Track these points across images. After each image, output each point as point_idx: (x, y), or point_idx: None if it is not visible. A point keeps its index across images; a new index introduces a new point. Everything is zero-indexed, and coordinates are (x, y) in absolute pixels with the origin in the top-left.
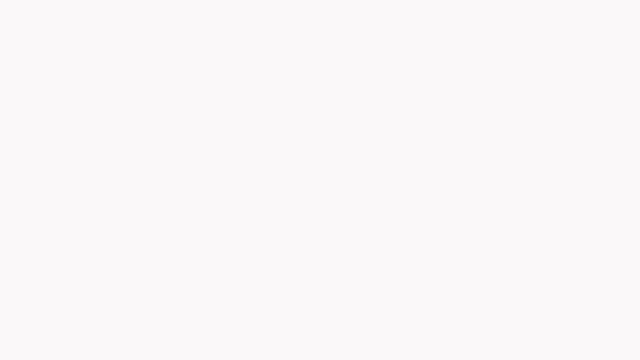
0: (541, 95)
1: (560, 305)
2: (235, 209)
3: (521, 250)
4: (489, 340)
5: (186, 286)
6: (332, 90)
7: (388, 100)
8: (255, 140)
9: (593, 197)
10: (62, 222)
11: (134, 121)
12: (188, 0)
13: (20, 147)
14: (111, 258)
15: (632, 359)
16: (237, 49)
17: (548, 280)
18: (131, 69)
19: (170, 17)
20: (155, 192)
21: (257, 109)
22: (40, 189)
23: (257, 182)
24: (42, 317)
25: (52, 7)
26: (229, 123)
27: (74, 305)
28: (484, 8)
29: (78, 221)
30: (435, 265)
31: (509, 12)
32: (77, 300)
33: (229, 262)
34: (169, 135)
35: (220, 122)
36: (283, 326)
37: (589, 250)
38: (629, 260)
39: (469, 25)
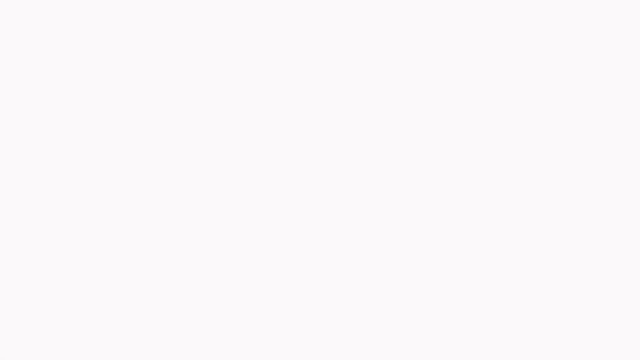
0: (541, 95)
1: (560, 305)
2: (235, 208)
3: (521, 250)
4: (488, 340)
5: (186, 286)
6: (332, 90)
7: (388, 100)
8: (255, 140)
9: (593, 197)
10: (62, 222)
11: (134, 121)
12: (188, 0)
13: (21, 147)
14: (111, 258)
15: (632, 358)
16: (237, 49)
17: (548, 280)
18: (131, 69)
19: (170, 17)
20: (155, 191)
21: (257, 109)
22: (41, 189)
23: (257, 182)
24: (42, 317)
25: (52, 7)
26: (229, 123)
27: (74, 305)
28: (484, 8)
29: (78, 221)
30: (435, 265)
31: (509, 12)
32: (77, 300)
33: (229, 262)
34: (169, 135)
35: (220, 122)
36: (283, 326)
37: (588, 250)
38: (629, 260)
39: (469, 25)
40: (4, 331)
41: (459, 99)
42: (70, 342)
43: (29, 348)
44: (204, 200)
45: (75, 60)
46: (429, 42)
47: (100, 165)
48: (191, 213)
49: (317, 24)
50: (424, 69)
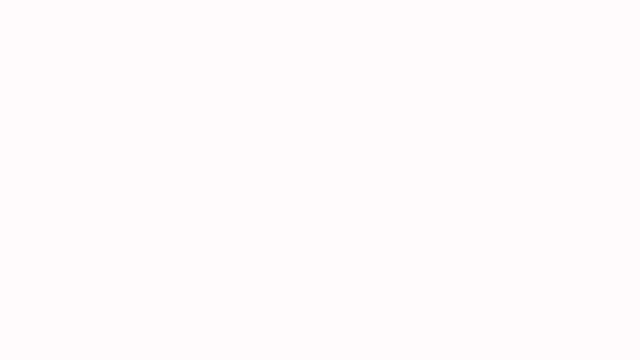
0: (541, 95)
1: (560, 305)
2: (235, 208)
3: (521, 250)
4: (488, 341)
5: (186, 286)
6: (332, 90)
7: (388, 100)
8: (255, 140)
9: (593, 197)
10: (62, 222)
11: (134, 121)
12: (188, 0)
13: (20, 147)
14: (111, 258)
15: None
16: (237, 49)
17: (548, 281)
18: (131, 69)
19: (170, 17)
20: (156, 192)
21: (257, 108)
22: (40, 189)
23: (257, 182)
24: (42, 318)
25: (52, 7)
26: (229, 123)
27: (74, 305)
28: (484, 8)
29: (78, 221)
30: (435, 265)
31: (509, 12)
32: (77, 301)
33: (229, 262)
34: (169, 135)
35: (220, 122)
36: (283, 326)
37: (589, 251)
38: (629, 260)
39: (469, 25)
40: (3, 331)
41: (459, 99)
42: (69, 342)
43: (29, 348)
44: (204, 200)
45: (75, 60)
46: (429, 42)
47: (100, 165)
48: (191, 213)
49: (317, 24)
50: (424, 69)
